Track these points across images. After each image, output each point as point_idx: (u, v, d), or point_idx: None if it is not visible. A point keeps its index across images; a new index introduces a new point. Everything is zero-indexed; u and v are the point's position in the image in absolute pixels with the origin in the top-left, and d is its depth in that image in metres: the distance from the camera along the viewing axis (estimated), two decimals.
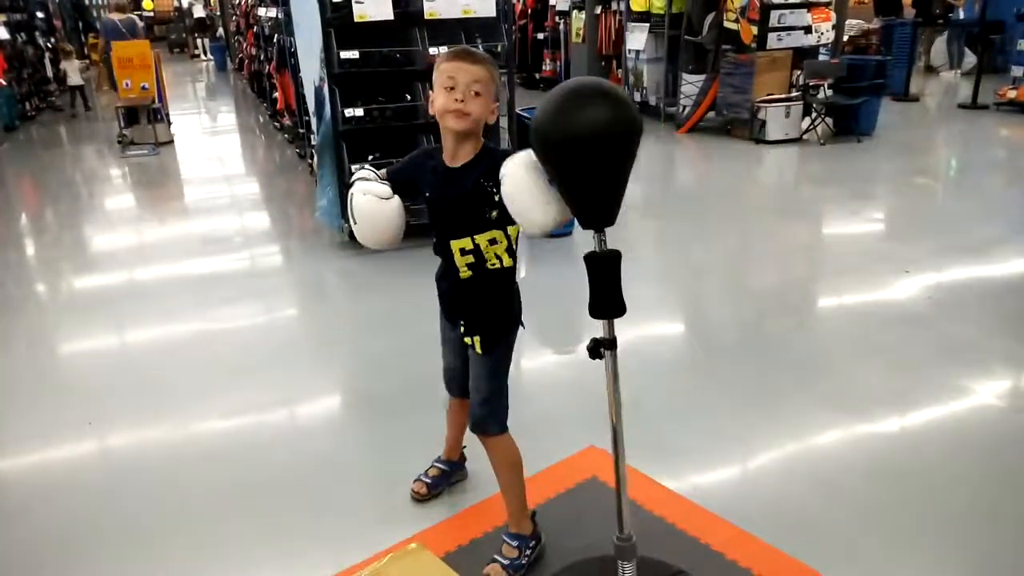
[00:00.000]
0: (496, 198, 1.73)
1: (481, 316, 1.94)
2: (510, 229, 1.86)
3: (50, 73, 12.29)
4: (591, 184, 1.47)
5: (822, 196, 6.02)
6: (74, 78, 11.10)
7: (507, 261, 1.90)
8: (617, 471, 1.70)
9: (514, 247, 1.91)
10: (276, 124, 8.96)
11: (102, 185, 7.24)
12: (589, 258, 1.55)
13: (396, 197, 1.86)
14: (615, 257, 1.54)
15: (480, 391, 1.99)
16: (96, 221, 5.95)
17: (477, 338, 1.93)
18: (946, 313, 3.61)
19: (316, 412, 3.04)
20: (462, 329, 1.97)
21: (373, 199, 1.84)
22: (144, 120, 8.36)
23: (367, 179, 1.87)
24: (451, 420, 2.33)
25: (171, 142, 8.57)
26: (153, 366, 3.35)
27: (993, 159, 7.10)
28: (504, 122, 4.84)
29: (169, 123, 8.86)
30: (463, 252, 1.87)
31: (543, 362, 3.28)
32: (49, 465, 2.68)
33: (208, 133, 10.05)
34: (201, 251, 4.94)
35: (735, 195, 6.11)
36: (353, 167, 4.44)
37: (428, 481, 2.33)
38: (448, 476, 2.37)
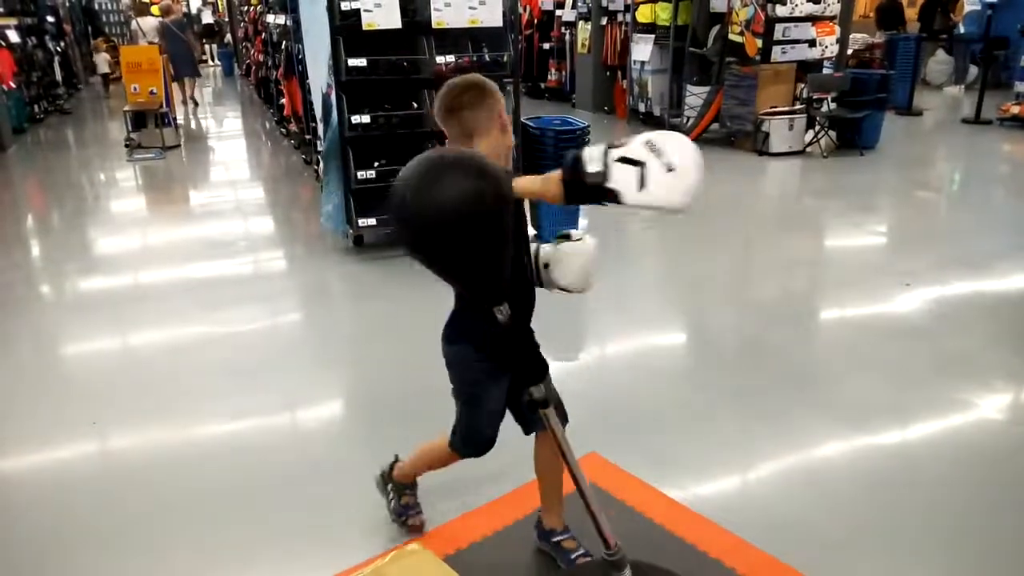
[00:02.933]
0: None
1: None
2: None
3: (59, 77, 12.44)
4: (463, 268, 1.36)
5: (824, 208, 6.05)
6: (103, 67, 14.16)
7: None
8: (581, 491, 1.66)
9: None
10: (282, 130, 9.01)
11: (108, 188, 7.28)
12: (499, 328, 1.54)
13: None
14: (512, 329, 1.55)
15: None
16: (102, 223, 5.99)
17: None
18: (946, 326, 3.63)
19: (318, 415, 3.06)
20: None
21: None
22: (151, 124, 8.42)
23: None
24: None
25: (178, 146, 8.62)
26: (156, 368, 3.38)
27: (995, 174, 7.12)
28: None
29: (176, 127, 8.92)
30: None
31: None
32: (51, 465, 2.70)
33: (215, 138, 10.10)
34: (206, 255, 4.97)
35: (737, 206, 6.12)
36: (359, 173, 4.48)
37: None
38: None
